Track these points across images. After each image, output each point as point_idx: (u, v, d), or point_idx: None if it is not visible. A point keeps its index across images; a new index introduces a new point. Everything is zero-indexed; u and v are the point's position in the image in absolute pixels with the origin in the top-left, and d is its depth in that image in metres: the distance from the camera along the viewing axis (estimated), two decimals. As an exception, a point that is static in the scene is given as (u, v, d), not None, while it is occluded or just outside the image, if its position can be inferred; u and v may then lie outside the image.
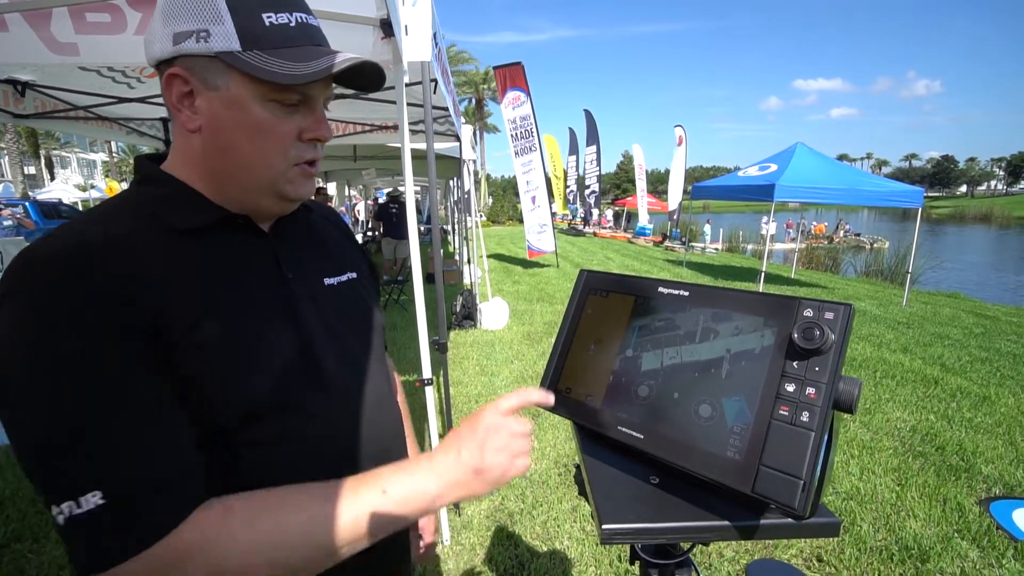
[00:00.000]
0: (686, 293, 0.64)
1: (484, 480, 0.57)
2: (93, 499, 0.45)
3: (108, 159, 42.76)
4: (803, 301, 0.54)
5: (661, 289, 0.66)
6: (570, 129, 23.91)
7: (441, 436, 2.86)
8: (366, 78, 0.64)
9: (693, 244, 16.72)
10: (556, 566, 2.04)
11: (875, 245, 20.94)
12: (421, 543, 0.93)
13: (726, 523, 0.54)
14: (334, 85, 0.63)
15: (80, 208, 19.90)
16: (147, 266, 0.52)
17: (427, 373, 2.06)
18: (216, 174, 0.60)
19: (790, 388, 0.51)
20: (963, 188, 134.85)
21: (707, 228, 19.44)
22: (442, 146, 5.54)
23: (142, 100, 3.11)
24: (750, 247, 18.90)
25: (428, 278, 8.44)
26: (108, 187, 19.49)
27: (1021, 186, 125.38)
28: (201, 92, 0.56)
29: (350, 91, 0.67)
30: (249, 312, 0.58)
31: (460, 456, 0.57)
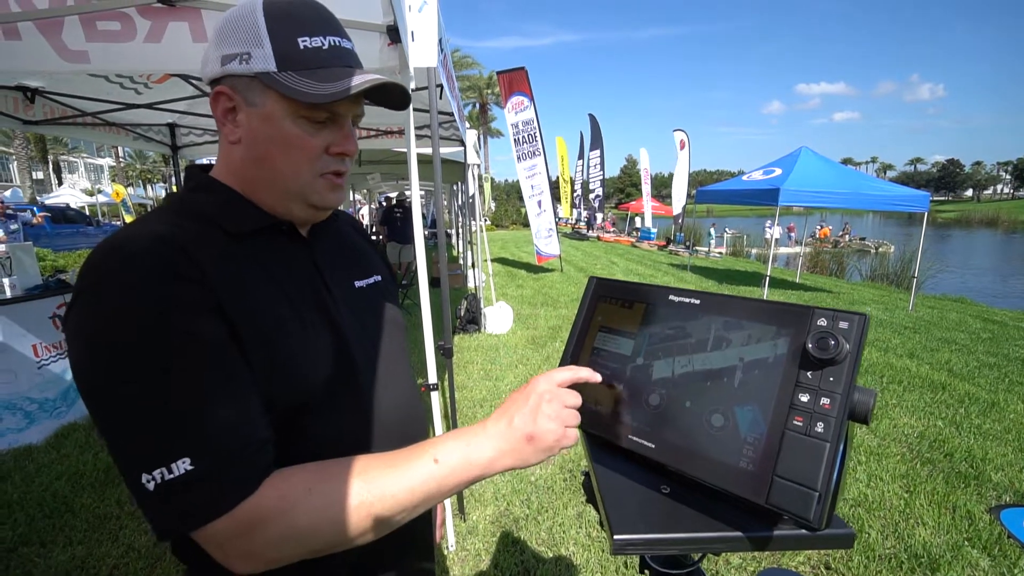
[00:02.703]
0: (697, 301, 0.63)
1: (536, 448, 0.58)
2: (183, 465, 0.49)
3: (115, 164, 43.13)
4: (816, 310, 0.53)
5: (672, 297, 0.66)
6: (581, 134, 23.98)
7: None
8: (392, 97, 0.69)
9: (697, 248, 16.68)
10: (562, 572, 2.02)
11: (880, 249, 20.82)
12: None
13: (739, 534, 0.54)
14: (366, 102, 0.68)
15: (87, 213, 20.04)
16: (213, 263, 0.57)
17: (432, 378, 2.05)
18: (253, 182, 0.66)
19: (804, 398, 0.50)
20: (969, 192, 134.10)
21: (712, 230, 19.36)
22: (447, 151, 5.55)
23: (149, 106, 3.13)
24: (754, 251, 18.83)
25: (433, 282, 8.43)
26: (114, 191, 19.62)
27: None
28: (243, 108, 0.62)
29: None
30: (294, 312, 0.63)
31: (512, 423, 0.59)
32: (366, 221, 18.20)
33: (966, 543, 2.30)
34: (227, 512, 0.50)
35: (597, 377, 0.64)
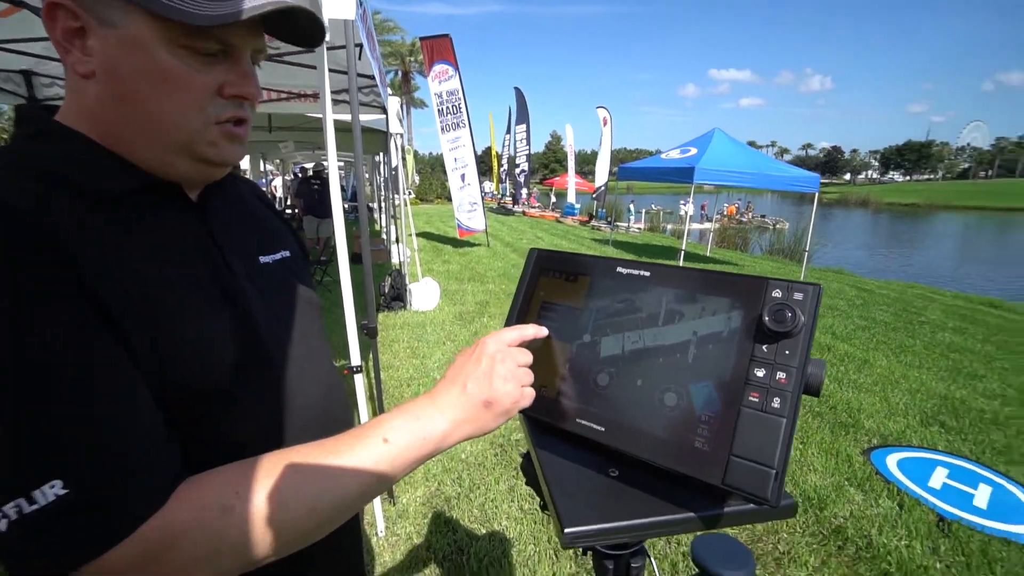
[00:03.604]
0: (647, 273, 0.60)
1: (494, 412, 0.54)
2: (51, 491, 0.38)
3: (-44, 119, 36.14)
4: (771, 282, 0.51)
5: (620, 269, 0.62)
6: (509, 108, 23.67)
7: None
8: (301, 29, 0.56)
9: (618, 224, 17.35)
10: (495, 547, 2.03)
11: (777, 226, 22.96)
12: None
13: (691, 515, 0.52)
14: (271, 47, 0.56)
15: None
16: (68, 235, 0.44)
17: (356, 360, 1.92)
18: (117, 128, 0.51)
19: (760, 373, 0.49)
20: (847, 176, 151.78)
21: (632, 207, 20.19)
22: (367, 118, 5.20)
23: (-9, 45, 2.57)
24: (669, 227, 20.03)
25: (354, 258, 7.99)
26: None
27: (890, 176, 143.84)
28: (94, 29, 0.47)
29: (270, 49, 0.57)
30: (186, 293, 0.52)
31: (466, 390, 0.53)
32: (280, 193, 16.84)
33: (846, 483, 2.62)
34: (126, 537, 0.40)
35: (544, 332, 0.61)
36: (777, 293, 0.50)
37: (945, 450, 3.00)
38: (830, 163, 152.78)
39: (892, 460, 2.87)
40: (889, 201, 66.41)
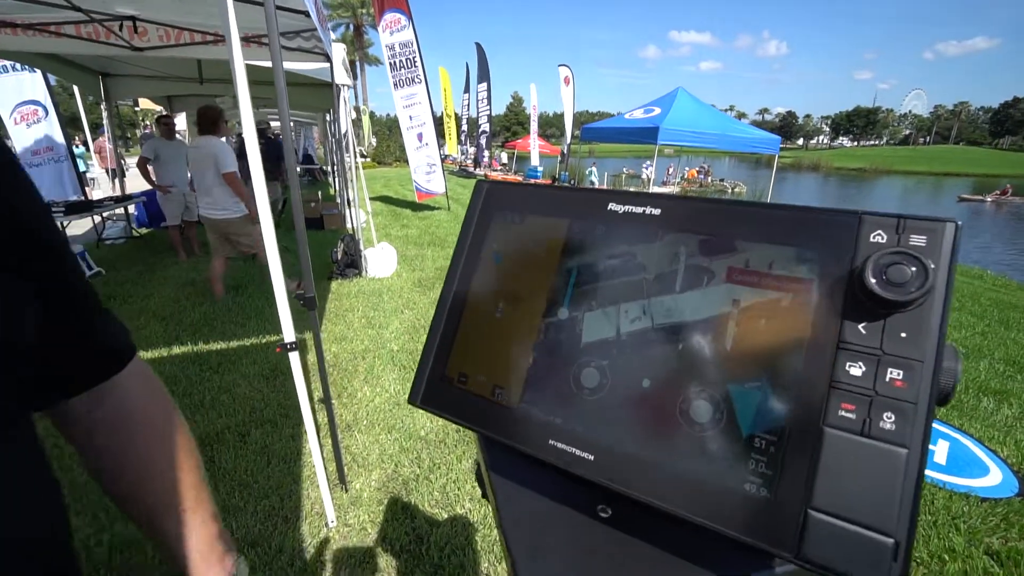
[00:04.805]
0: (656, 211, 0.38)
1: None
2: None
3: None
4: (866, 217, 0.31)
5: (613, 206, 0.40)
6: (467, 65, 22.59)
7: (320, 401, 2.49)
8: None
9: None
10: (458, 534, 1.87)
11: (736, 190, 23.39)
12: None
13: None
14: None
15: None
16: None
17: (289, 335, 1.67)
18: None
19: (856, 371, 0.29)
20: (800, 141, 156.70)
21: (594, 169, 20.07)
22: (309, 67, 4.70)
23: None
24: (631, 190, 20.16)
25: (314, 223, 7.59)
26: None
27: (839, 141, 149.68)
28: None
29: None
30: None
31: None
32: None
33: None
34: None
35: None
36: (879, 236, 0.30)
37: (903, 406, 3.06)
38: (785, 128, 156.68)
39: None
40: (838, 166, 69.21)
